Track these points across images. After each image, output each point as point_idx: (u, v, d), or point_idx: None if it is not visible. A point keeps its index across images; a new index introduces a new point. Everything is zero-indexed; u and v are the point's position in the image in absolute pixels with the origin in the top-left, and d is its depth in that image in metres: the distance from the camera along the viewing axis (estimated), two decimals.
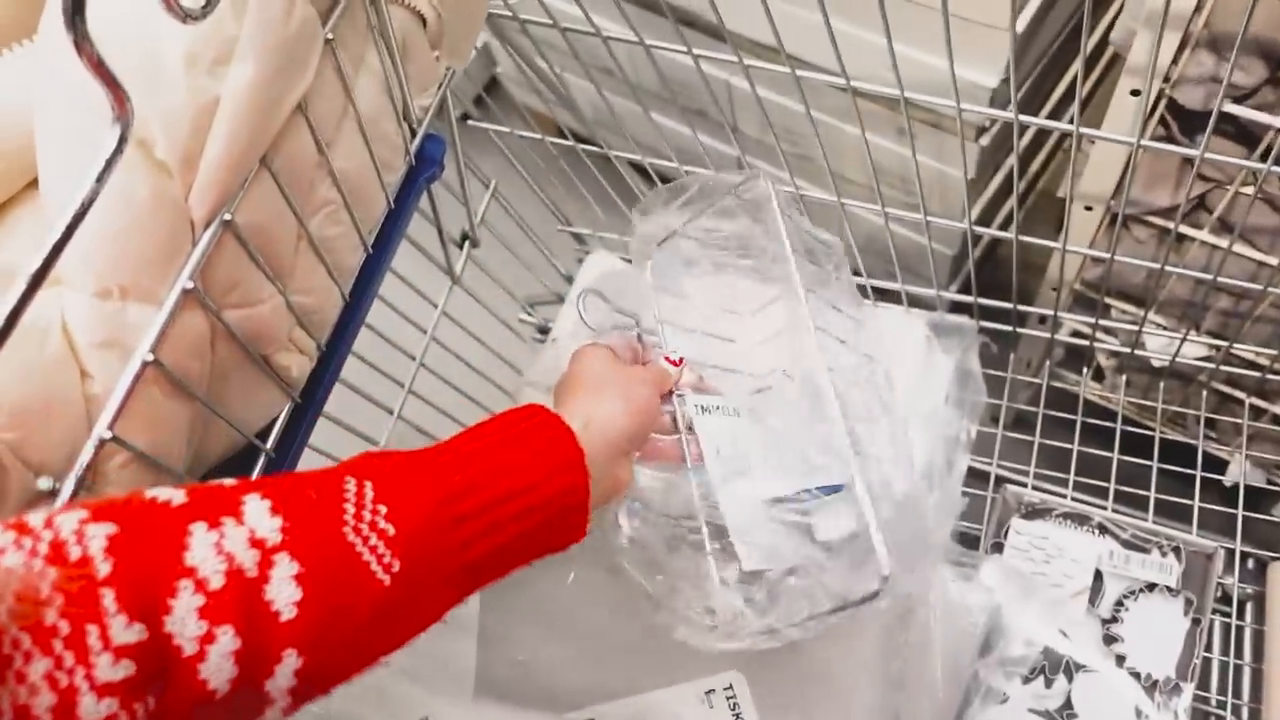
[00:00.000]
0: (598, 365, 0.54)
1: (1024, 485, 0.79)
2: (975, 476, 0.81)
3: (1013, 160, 0.68)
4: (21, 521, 0.29)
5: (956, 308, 0.85)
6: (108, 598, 0.28)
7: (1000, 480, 0.80)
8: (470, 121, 0.86)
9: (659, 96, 0.77)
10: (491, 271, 0.87)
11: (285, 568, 0.32)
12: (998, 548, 0.76)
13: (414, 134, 0.59)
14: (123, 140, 0.32)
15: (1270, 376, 0.78)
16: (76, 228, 0.32)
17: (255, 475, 0.51)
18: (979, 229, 0.73)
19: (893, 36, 0.67)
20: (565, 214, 0.98)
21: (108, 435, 0.37)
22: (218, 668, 0.30)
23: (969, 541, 0.79)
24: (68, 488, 0.36)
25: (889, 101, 0.65)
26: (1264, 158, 0.62)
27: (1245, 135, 0.66)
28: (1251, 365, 0.79)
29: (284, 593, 0.32)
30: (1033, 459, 0.81)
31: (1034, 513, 0.77)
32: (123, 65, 0.35)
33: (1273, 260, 0.68)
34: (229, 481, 0.34)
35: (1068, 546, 0.75)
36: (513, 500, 0.40)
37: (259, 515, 0.33)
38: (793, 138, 1.00)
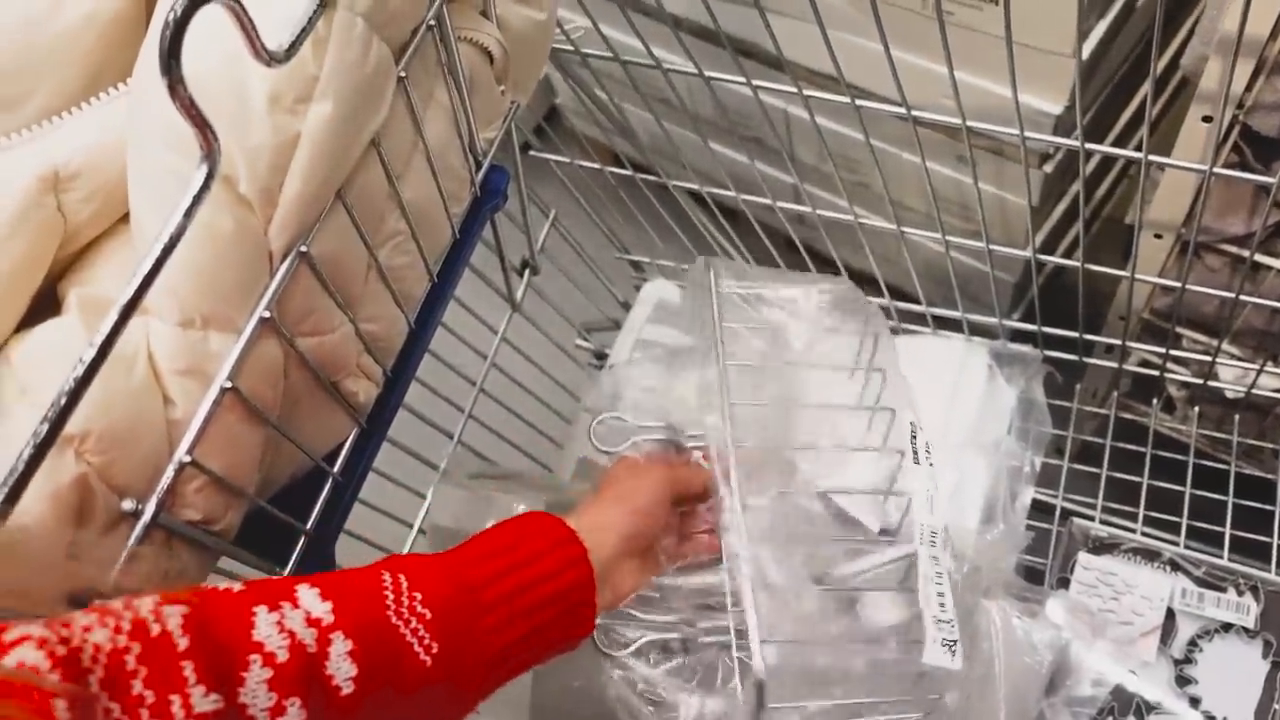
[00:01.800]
0: (616, 471, 0.58)
1: (1091, 519, 0.77)
2: (1040, 510, 0.79)
3: (1078, 187, 0.67)
4: (103, 605, 0.31)
5: (1019, 336, 0.83)
6: (188, 669, 0.30)
7: (1066, 514, 0.78)
8: (532, 152, 0.87)
9: (716, 126, 0.78)
10: (550, 298, 0.88)
11: (341, 645, 0.35)
12: (1064, 583, 0.74)
13: (479, 166, 0.60)
14: (210, 177, 0.34)
15: None
16: (165, 260, 0.34)
17: (322, 498, 0.53)
18: (1043, 257, 0.72)
19: (954, 64, 0.66)
20: (623, 241, 0.99)
21: (187, 459, 0.39)
22: None
23: (1034, 576, 0.77)
24: (149, 509, 0.38)
25: (949, 129, 0.64)
26: None
27: None
28: None
29: (342, 668, 0.35)
30: (1100, 492, 0.79)
31: (1102, 547, 0.75)
32: (210, 105, 0.37)
33: None
34: (278, 573, 0.38)
35: (1138, 583, 0.72)
36: (529, 591, 0.44)
37: (311, 599, 0.36)
38: (851, 165, 1.00)
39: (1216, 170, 0.59)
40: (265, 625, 0.34)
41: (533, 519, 0.48)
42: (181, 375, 0.39)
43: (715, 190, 0.82)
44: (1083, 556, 0.74)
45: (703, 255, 0.79)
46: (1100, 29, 0.80)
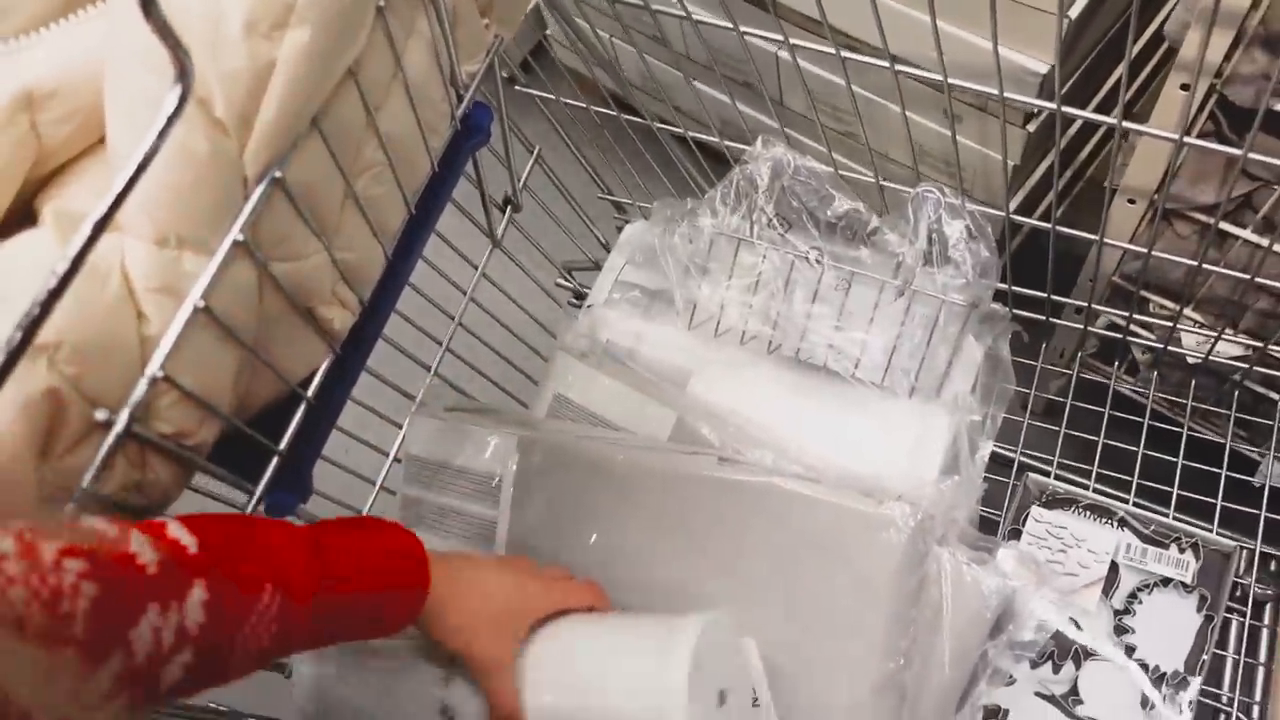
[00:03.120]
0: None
1: (1047, 474, 0.80)
2: (999, 464, 0.81)
3: (1054, 152, 0.68)
4: (36, 550, 0.32)
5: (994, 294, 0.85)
6: (70, 651, 0.32)
7: (1024, 468, 0.81)
8: (517, 87, 0.87)
9: (704, 67, 0.78)
10: (532, 236, 0.89)
11: (184, 656, 0.37)
12: (1015, 534, 0.77)
13: (460, 99, 0.60)
14: (183, 100, 0.34)
15: None
16: (138, 180, 0.34)
17: (295, 422, 0.54)
18: (1017, 218, 0.73)
19: (945, 17, 0.66)
20: (606, 182, 0.99)
21: (160, 374, 0.40)
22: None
23: (989, 527, 0.79)
24: (121, 420, 0.39)
25: (937, 83, 0.64)
26: None
27: None
28: None
29: (171, 674, 0.37)
30: (1057, 449, 0.82)
31: (1055, 502, 0.77)
32: (186, 29, 0.37)
33: None
34: (191, 547, 0.40)
35: (1086, 537, 0.75)
36: (369, 614, 0.49)
37: (194, 606, 0.38)
38: (838, 114, 1.00)
39: (1188, 140, 0.60)
40: (145, 629, 0.35)
41: (404, 557, 0.52)
42: (155, 293, 0.40)
43: (699, 135, 0.82)
44: (1035, 510, 0.77)
45: (682, 197, 0.80)
46: None
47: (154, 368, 0.39)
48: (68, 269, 0.33)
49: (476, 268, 0.83)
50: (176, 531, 0.39)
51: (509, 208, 0.85)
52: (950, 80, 0.63)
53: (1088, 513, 0.76)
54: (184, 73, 0.34)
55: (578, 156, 0.94)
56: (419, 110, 0.54)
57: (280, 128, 0.41)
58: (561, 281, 1.03)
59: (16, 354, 0.31)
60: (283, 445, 0.53)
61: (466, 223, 0.80)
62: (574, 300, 1.03)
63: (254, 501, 0.52)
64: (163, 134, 0.34)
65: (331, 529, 0.49)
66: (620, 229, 0.99)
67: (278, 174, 0.42)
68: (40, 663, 0.31)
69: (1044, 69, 0.83)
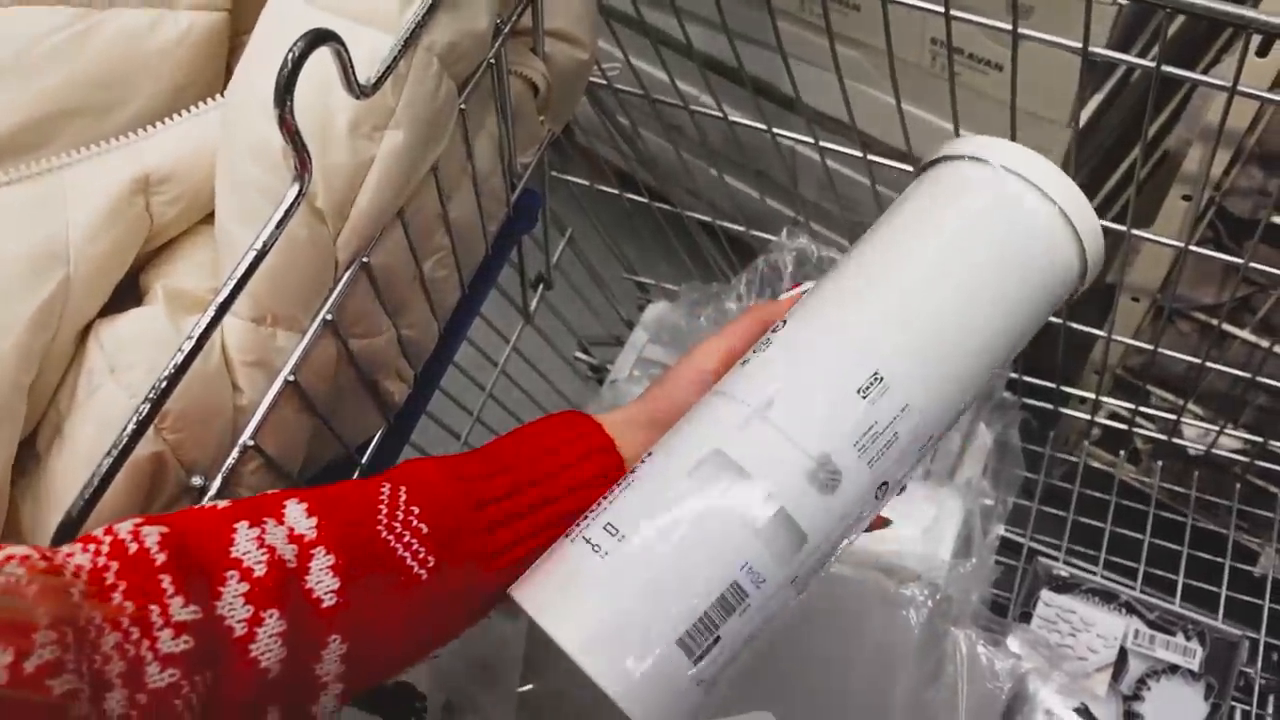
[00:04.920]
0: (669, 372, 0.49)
1: (1055, 559, 0.82)
2: (1009, 548, 0.84)
3: None
4: (85, 534, 0.33)
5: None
6: (165, 581, 0.31)
7: (1033, 553, 0.83)
8: (553, 173, 0.92)
9: (727, 157, 0.82)
10: (559, 312, 0.93)
11: (323, 559, 0.35)
12: (1026, 617, 0.79)
13: (514, 188, 0.64)
14: (301, 195, 0.38)
15: None
16: (257, 267, 0.38)
17: None
18: None
19: (960, 124, 0.71)
20: (631, 261, 1.03)
21: (250, 443, 0.43)
22: (266, 647, 0.33)
23: (999, 609, 0.81)
24: (215, 485, 0.42)
25: None
26: None
27: None
28: None
29: (324, 582, 0.35)
30: (1065, 534, 0.84)
31: (1063, 586, 0.80)
32: (300, 127, 0.41)
33: None
34: (270, 492, 0.38)
35: (1094, 622, 0.77)
36: (541, 484, 0.41)
37: (297, 515, 0.36)
38: (851, 204, 1.05)
39: (1192, 248, 0.64)
40: (245, 541, 0.34)
41: (561, 418, 0.44)
42: (250, 366, 0.43)
43: (725, 224, 0.87)
44: (1045, 594, 0.79)
45: (704, 280, 0.84)
46: (1095, 101, 0.85)
47: (246, 437, 0.42)
48: (192, 348, 0.36)
49: (509, 341, 0.86)
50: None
51: (541, 285, 0.88)
52: None
53: (1096, 598, 0.78)
54: (305, 171, 0.38)
55: (604, 237, 0.99)
56: (482, 200, 0.57)
57: (371, 218, 0.44)
58: (580, 355, 1.06)
59: (145, 424, 0.34)
60: None
61: (499, 297, 0.83)
62: (591, 374, 1.06)
63: None
64: (280, 225, 0.38)
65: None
66: (642, 308, 1.03)
67: (365, 259, 0.46)
68: None
69: None
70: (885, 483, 0.38)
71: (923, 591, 0.65)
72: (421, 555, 0.37)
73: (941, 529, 0.77)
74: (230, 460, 0.42)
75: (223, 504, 0.35)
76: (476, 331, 0.82)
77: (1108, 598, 0.78)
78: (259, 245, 0.37)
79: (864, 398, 0.38)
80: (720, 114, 0.73)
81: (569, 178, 0.91)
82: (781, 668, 0.67)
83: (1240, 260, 0.63)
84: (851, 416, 0.38)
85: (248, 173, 0.42)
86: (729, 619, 0.36)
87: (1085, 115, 0.86)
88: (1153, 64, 0.51)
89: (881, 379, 0.38)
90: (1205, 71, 0.82)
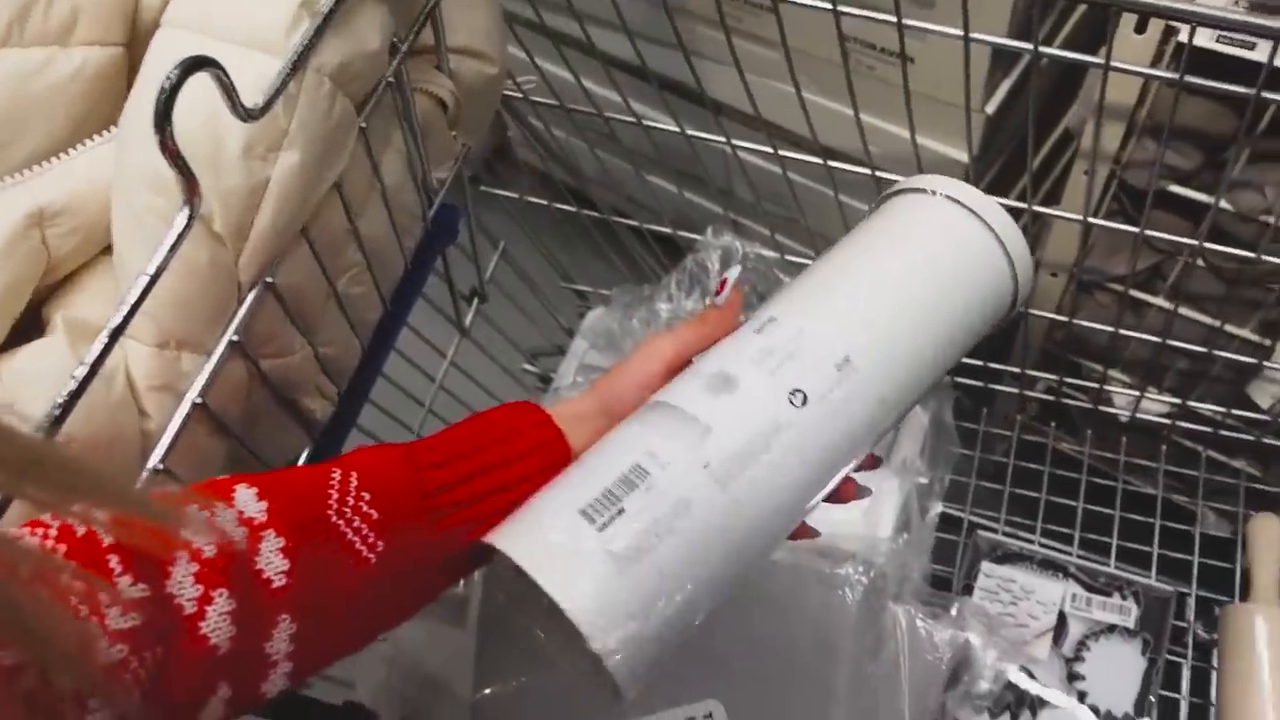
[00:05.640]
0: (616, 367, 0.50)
1: (995, 531, 0.84)
2: (949, 523, 0.86)
3: None
4: (35, 519, 0.33)
5: None
6: (113, 560, 0.31)
7: (972, 527, 0.85)
8: (482, 187, 0.93)
9: (655, 161, 0.84)
10: (498, 325, 0.93)
11: (272, 541, 0.35)
12: (968, 589, 0.81)
13: (431, 203, 0.65)
14: (191, 219, 0.39)
15: (1224, 433, 0.83)
16: (150, 290, 0.39)
17: None
18: None
19: (878, 115, 0.73)
20: (568, 271, 1.04)
21: (160, 466, 0.43)
22: (216, 625, 0.33)
23: (942, 584, 0.83)
24: None
25: (868, 175, 0.71)
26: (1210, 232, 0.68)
27: (1191, 211, 0.72)
28: (1208, 421, 0.84)
29: (273, 563, 0.35)
30: (1003, 507, 0.86)
31: (1003, 557, 0.82)
32: (191, 152, 0.42)
33: (1219, 324, 0.74)
34: (219, 478, 0.38)
35: (1034, 589, 0.79)
36: (491, 473, 0.41)
37: (247, 499, 0.36)
38: (782, 201, 1.07)
39: (1093, 220, 0.66)
40: (193, 523, 0.34)
41: (511, 408, 0.45)
42: (156, 391, 0.43)
43: (652, 226, 0.88)
44: (985, 565, 0.81)
45: (639, 283, 0.86)
46: (1005, 87, 0.87)
47: (154, 461, 0.43)
48: (85, 374, 0.36)
49: (445, 357, 0.87)
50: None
51: (475, 299, 0.89)
52: (878, 173, 0.69)
53: (1035, 566, 0.80)
54: (194, 195, 0.39)
55: (540, 248, 1.00)
56: (394, 215, 0.58)
57: (272, 238, 0.45)
58: (528, 367, 1.07)
59: None
60: None
61: (436, 315, 0.84)
62: (540, 385, 1.07)
63: None
64: (173, 249, 0.39)
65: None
66: (582, 315, 1.04)
67: (269, 279, 0.46)
68: None
69: (965, 158, 0.90)
70: (799, 390, 0.41)
71: (858, 570, 0.67)
72: (370, 539, 0.38)
73: (880, 509, 0.79)
74: (139, 486, 0.42)
75: (172, 489, 0.36)
76: (416, 348, 0.83)
77: (1046, 565, 0.80)
78: (151, 270, 0.38)
79: (758, 332, 0.43)
80: (635, 120, 0.75)
81: (496, 191, 0.92)
82: (724, 655, 0.68)
83: (1134, 229, 0.65)
84: (746, 344, 0.43)
85: (142, 200, 0.42)
86: (631, 493, 0.38)
87: (996, 103, 0.88)
88: (1030, 47, 0.53)
89: (775, 319, 0.44)
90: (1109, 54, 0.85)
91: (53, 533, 0.32)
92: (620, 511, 0.37)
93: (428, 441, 0.43)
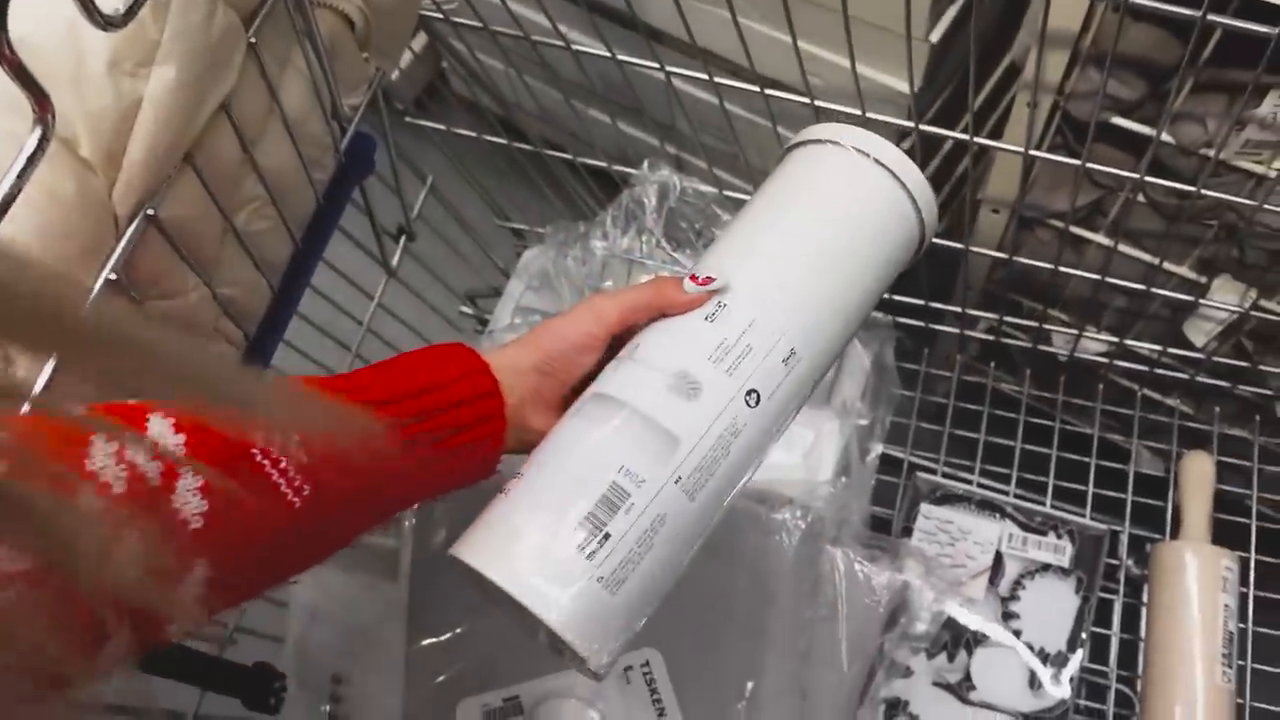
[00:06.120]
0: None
1: (934, 473, 0.84)
2: (890, 465, 0.85)
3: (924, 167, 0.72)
4: None
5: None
6: None
7: (914, 468, 0.85)
8: (408, 119, 0.88)
9: (590, 91, 0.80)
10: (431, 265, 0.89)
11: (190, 480, 0.32)
12: (907, 531, 0.80)
13: (344, 132, 0.61)
14: (44, 140, 0.34)
15: (1159, 371, 0.83)
16: (1, 217, 0.34)
17: None
18: None
19: (819, 43, 0.69)
20: (504, 209, 1.00)
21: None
22: (119, 570, 0.29)
23: (882, 525, 0.83)
24: None
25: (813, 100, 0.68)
26: (1151, 167, 0.66)
27: (1134, 144, 0.71)
28: (1144, 360, 0.84)
29: (190, 503, 0.32)
30: (943, 448, 0.86)
31: (942, 499, 0.81)
32: (48, 67, 0.37)
33: (1158, 261, 0.73)
34: (130, 403, 0.33)
35: (972, 530, 0.79)
36: (423, 422, 0.39)
37: (162, 429, 0.33)
38: (721, 134, 1.04)
39: (1034, 153, 0.64)
40: (101, 455, 0.30)
41: (446, 352, 0.42)
42: None
43: (587, 160, 0.85)
44: (924, 507, 0.81)
45: (576, 220, 0.82)
46: (950, 15, 0.85)
47: (25, 410, 0.39)
48: None
49: (373, 299, 0.83)
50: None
51: (404, 237, 0.85)
52: (818, 103, 0.66)
53: (973, 507, 0.80)
54: (44, 113, 0.34)
55: (473, 185, 0.96)
56: (299, 144, 0.54)
57: (150, 165, 0.41)
58: (465, 309, 1.03)
59: None
60: None
61: (363, 255, 0.80)
62: (479, 328, 1.04)
63: None
64: (22, 175, 0.34)
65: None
66: (519, 255, 1.00)
67: (150, 211, 0.42)
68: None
69: (909, 90, 0.87)
70: (754, 390, 0.42)
71: (795, 515, 0.66)
72: (297, 483, 0.35)
73: (820, 452, 0.78)
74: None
75: (75, 409, 0.31)
76: (341, 290, 0.79)
77: (984, 506, 0.80)
78: None
79: (709, 321, 0.43)
80: (564, 44, 0.71)
81: (423, 122, 0.87)
82: (665, 608, 0.67)
83: (1075, 162, 0.63)
84: (702, 338, 0.42)
85: None
86: (614, 517, 0.39)
87: (940, 31, 0.86)
88: None
89: (725, 305, 0.43)
90: None
91: None
92: (606, 536, 0.39)
93: (357, 379, 0.40)
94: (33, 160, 0.34)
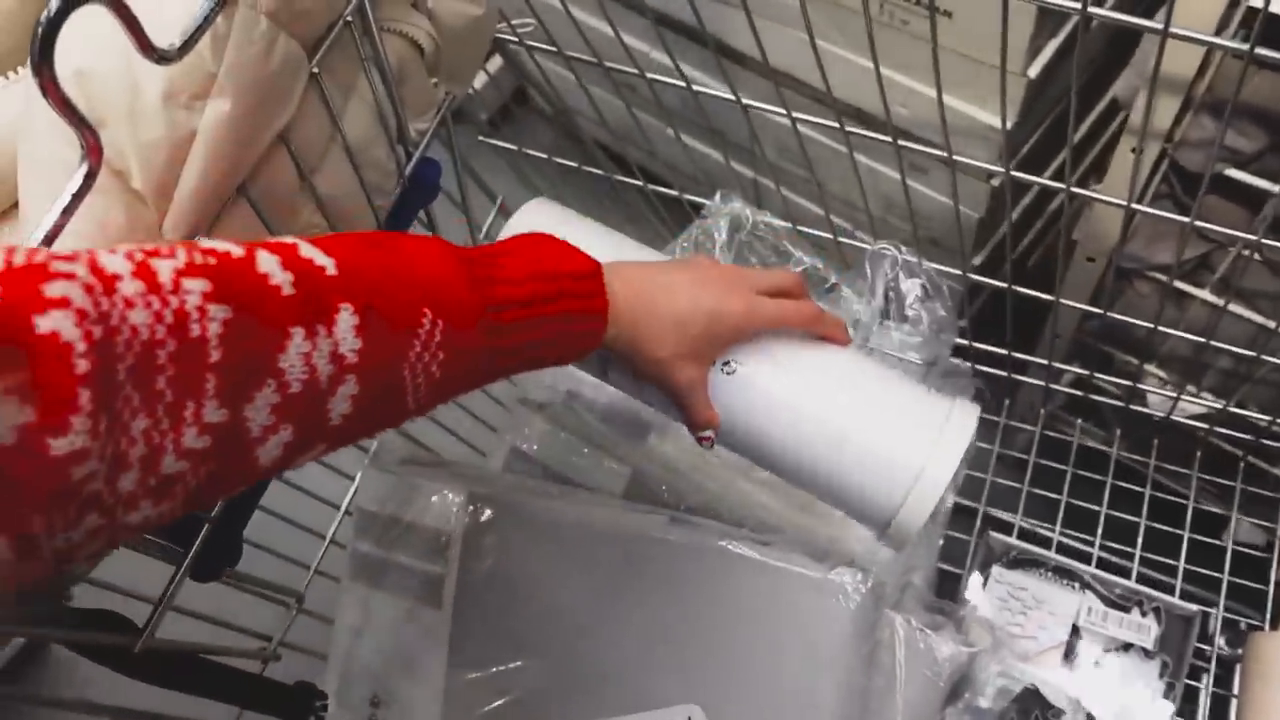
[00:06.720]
0: (689, 260, 0.52)
1: (1010, 530, 0.79)
2: (961, 519, 0.80)
3: (1005, 223, 0.68)
4: (151, 270, 0.30)
5: (956, 350, 0.84)
6: (210, 382, 0.31)
7: (987, 522, 0.80)
8: (480, 138, 0.87)
9: (665, 111, 0.78)
10: None
11: (349, 387, 0.35)
12: (975, 595, 0.76)
13: (409, 157, 0.60)
14: (89, 177, 0.34)
15: (1267, 442, 0.77)
16: None
17: None
18: (975, 278, 0.73)
19: (908, 72, 0.65)
20: None
21: None
22: (269, 453, 0.34)
23: (949, 581, 0.78)
24: None
25: (900, 134, 0.64)
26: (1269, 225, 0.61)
27: (1249, 198, 0.65)
28: (1250, 426, 0.77)
29: (339, 407, 0.35)
30: (1020, 507, 0.81)
31: (1016, 562, 0.76)
32: (104, 98, 0.36)
33: (1272, 324, 0.67)
34: (328, 268, 0.35)
35: (1047, 600, 0.74)
36: (540, 348, 0.43)
37: (346, 329, 0.35)
38: (800, 160, 1.00)
39: (1135, 207, 0.59)
40: (294, 353, 0.33)
41: (577, 264, 0.44)
42: None
43: (658, 189, 0.82)
44: (996, 570, 0.76)
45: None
46: (1049, 50, 0.80)
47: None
48: None
49: None
50: (310, 252, 0.35)
51: None
52: (901, 142, 0.63)
53: (1050, 574, 0.75)
54: (93, 150, 0.34)
55: None
56: (361, 171, 0.53)
57: (202, 198, 0.40)
58: None
59: None
60: (214, 512, 0.52)
61: None
62: None
63: (181, 569, 0.51)
64: (67, 211, 0.34)
65: (486, 249, 0.43)
66: None
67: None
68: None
69: (1001, 126, 0.83)
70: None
71: (855, 577, 0.62)
72: (421, 394, 0.38)
73: None
74: None
75: (286, 286, 0.33)
76: None
77: (1061, 574, 0.75)
78: (39, 235, 0.33)
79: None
80: (638, 72, 0.69)
81: (495, 142, 0.86)
82: (706, 659, 0.64)
83: (1184, 219, 0.58)
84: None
85: (48, 150, 0.38)
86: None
87: (1039, 66, 0.81)
88: (1077, 7, 0.46)
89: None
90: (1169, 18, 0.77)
91: (168, 316, 0.30)
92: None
93: (501, 290, 0.41)
94: (78, 196, 0.34)
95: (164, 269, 0.30)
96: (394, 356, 0.36)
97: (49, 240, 0.34)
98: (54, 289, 0.27)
